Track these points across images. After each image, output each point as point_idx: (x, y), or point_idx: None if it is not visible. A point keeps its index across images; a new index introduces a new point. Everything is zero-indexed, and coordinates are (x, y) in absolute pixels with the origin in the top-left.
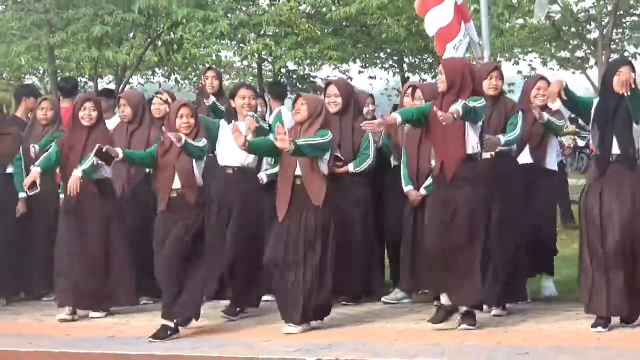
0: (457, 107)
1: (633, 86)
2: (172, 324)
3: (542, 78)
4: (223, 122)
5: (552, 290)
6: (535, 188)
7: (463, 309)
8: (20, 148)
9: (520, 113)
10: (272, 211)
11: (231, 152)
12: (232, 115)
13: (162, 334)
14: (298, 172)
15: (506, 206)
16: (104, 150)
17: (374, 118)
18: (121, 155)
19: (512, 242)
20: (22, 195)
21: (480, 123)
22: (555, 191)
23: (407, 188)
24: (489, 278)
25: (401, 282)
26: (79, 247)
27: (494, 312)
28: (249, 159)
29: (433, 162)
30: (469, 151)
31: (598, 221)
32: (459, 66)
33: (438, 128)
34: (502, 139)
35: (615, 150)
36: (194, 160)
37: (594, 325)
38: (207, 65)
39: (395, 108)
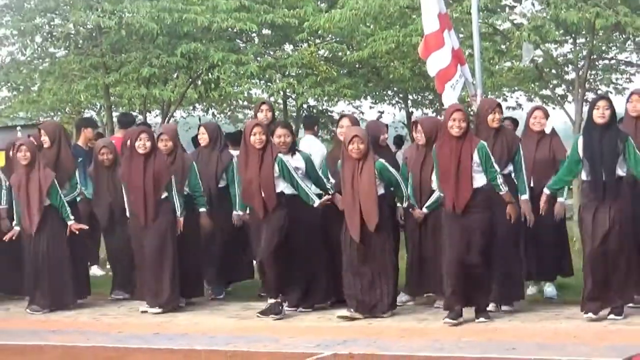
0: (504, 189)
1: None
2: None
3: (538, 108)
4: None
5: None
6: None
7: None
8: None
9: (520, 147)
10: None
11: None
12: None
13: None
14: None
15: (509, 225)
16: None
17: (387, 145)
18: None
19: (511, 254)
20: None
21: None
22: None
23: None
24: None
25: (407, 287)
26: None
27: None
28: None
29: (434, 185)
30: (475, 186)
31: (590, 231)
32: (433, 124)
33: (449, 175)
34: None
35: (605, 176)
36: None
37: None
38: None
39: (399, 138)
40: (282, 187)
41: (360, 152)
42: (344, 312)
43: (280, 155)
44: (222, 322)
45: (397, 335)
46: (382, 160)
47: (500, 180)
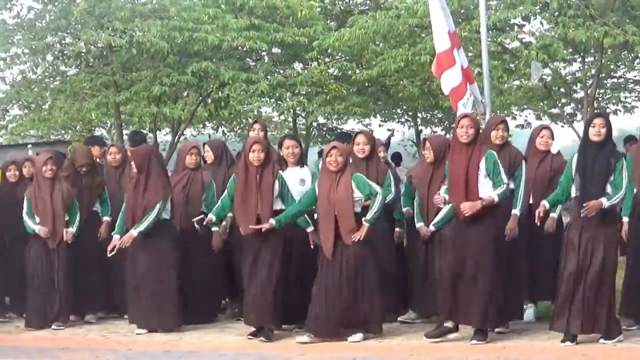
0: (494, 197)
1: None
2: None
3: (545, 127)
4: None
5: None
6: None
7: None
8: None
9: (524, 163)
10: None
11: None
12: (282, 163)
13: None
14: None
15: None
16: (204, 223)
17: (387, 162)
18: (214, 218)
19: (514, 271)
20: (105, 218)
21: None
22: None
23: (419, 224)
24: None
25: (414, 305)
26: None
27: (497, 329)
28: None
29: (437, 199)
30: (482, 194)
31: (576, 250)
32: (442, 142)
33: (459, 182)
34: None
35: (594, 193)
36: None
37: (563, 340)
38: (251, 119)
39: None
40: (279, 206)
41: (338, 164)
42: (304, 338)
43: (281, 172)
44: (231, 340)
45: (406, 353)
46: (359, 174)
47: (503, 189)
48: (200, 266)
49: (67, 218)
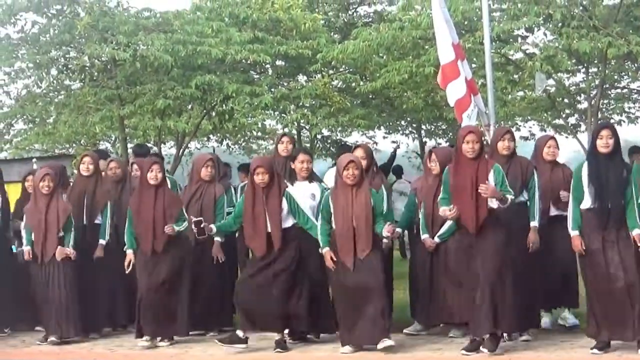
0: (509, 197)
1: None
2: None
3: (552, 138)
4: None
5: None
6: (557, 233)
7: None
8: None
9: (535, 173)
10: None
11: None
12: (293, 176)
13: None
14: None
15: (523, 249)
16: (202, 226)
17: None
18: (214, 229)
19: (528, 279)
20: (101, 241)
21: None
22: None
23: (424, 236)
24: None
25: (419, 317)
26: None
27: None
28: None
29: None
30: (490, 206)
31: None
32: (448, 154)
33: (466, 196)
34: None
35: (611, 203)
36: None
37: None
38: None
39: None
40: (290, 223)
41: (355, 178)
42: (347, 348)
43: (288, 189)
44: (236, 354)
45: None
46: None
47: (511, 199)
48: (213, 277)
49: (61, 234)
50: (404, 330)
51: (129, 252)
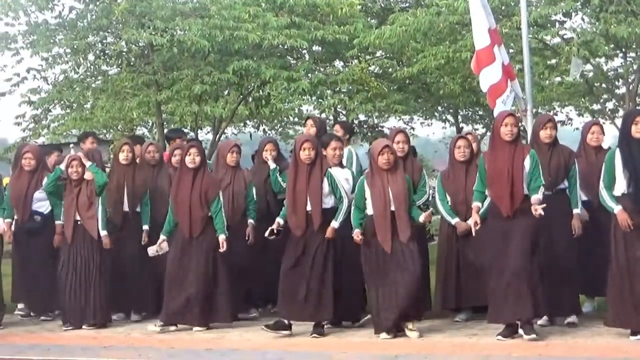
0: (539, 197)
1: None
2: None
3: (595, 123)
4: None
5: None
6: (601, 220)
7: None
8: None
9: (576, 162)
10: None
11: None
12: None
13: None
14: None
15: (565, 234)
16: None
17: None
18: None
19: (561, 264)
20: (145, 227)
21: None
22: None
23: (454, 220)
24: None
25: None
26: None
27: (540, 322)
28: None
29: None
30: (525, 191)
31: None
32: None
33: (503, 179)
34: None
35: None
36: None
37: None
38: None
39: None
40: (330, 204)
41: (391, 163)
42: (383, 334)
43: (330, 170)
44: (273, 338)
45: (448, 351)
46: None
47: (542, 190)
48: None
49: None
50: (455, 319)
51: (162, 237)
